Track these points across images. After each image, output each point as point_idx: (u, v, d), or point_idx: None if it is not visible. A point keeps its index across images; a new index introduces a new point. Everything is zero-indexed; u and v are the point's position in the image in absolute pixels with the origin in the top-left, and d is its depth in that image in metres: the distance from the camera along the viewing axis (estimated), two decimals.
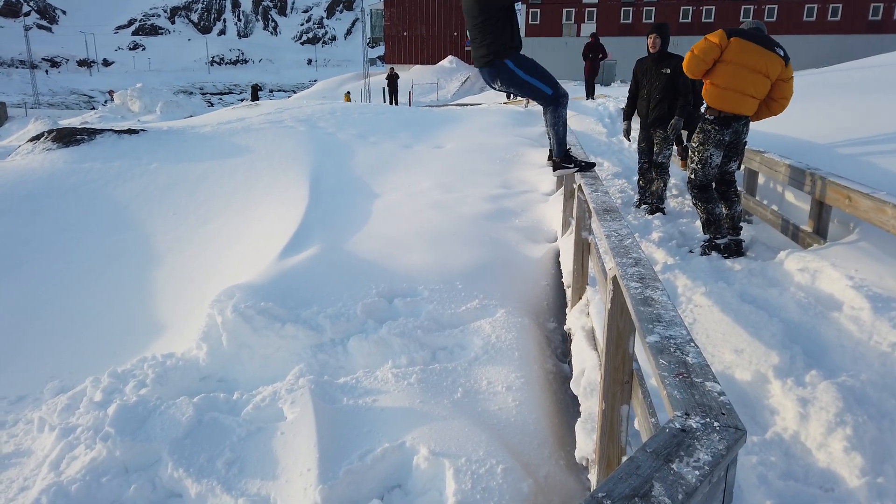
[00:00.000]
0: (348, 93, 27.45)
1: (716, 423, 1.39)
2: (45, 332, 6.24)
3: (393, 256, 6.01)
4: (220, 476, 3.22)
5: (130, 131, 12.01)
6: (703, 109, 5.05)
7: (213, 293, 5.09)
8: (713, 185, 5.05)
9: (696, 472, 1.23)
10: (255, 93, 27.09)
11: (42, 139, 11.33)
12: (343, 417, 3.55)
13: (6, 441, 4.25)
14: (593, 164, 4.44)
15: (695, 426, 1.38)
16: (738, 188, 5.40)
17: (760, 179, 5.85)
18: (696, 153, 4.96)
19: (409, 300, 5.01)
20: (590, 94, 17.95)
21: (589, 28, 47.65)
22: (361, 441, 3.33)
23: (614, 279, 2.41)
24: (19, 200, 9.24)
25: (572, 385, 3.55)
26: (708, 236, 5.10)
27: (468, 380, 3.99)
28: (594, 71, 17.63)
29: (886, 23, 46.43)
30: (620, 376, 2.48)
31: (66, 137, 11.23)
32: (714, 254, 4.98)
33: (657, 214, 6.54)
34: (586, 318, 4.13)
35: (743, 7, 46.80)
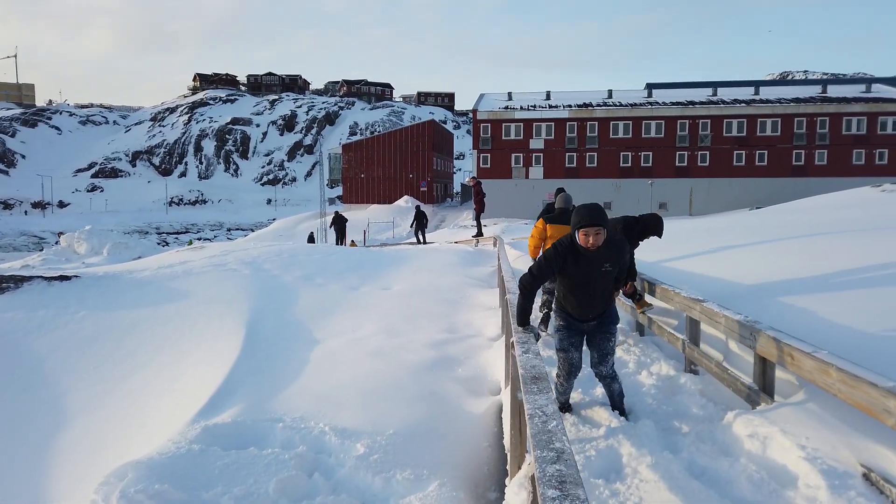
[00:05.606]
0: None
1: None
2: None
3: (321, 417, 5.51)
4: None
5: (62, 277, 11.50)
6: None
7: (114, 467, 4.48)
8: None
9: None
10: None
11: None
12: None
13: None
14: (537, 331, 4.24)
15: None
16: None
17: (704, 328, 5.70)
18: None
19: (330, 473, 4.48)
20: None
21: (537, 171, 50.25)
22: None
23: (532, 479, 2.06)
24: None
25: None
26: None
27: None
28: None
29: (808, 167, 50.55)
30: None
31: None
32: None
33: None
34: (526, 495, 3.69)
35: (678, 153, 50.33)
